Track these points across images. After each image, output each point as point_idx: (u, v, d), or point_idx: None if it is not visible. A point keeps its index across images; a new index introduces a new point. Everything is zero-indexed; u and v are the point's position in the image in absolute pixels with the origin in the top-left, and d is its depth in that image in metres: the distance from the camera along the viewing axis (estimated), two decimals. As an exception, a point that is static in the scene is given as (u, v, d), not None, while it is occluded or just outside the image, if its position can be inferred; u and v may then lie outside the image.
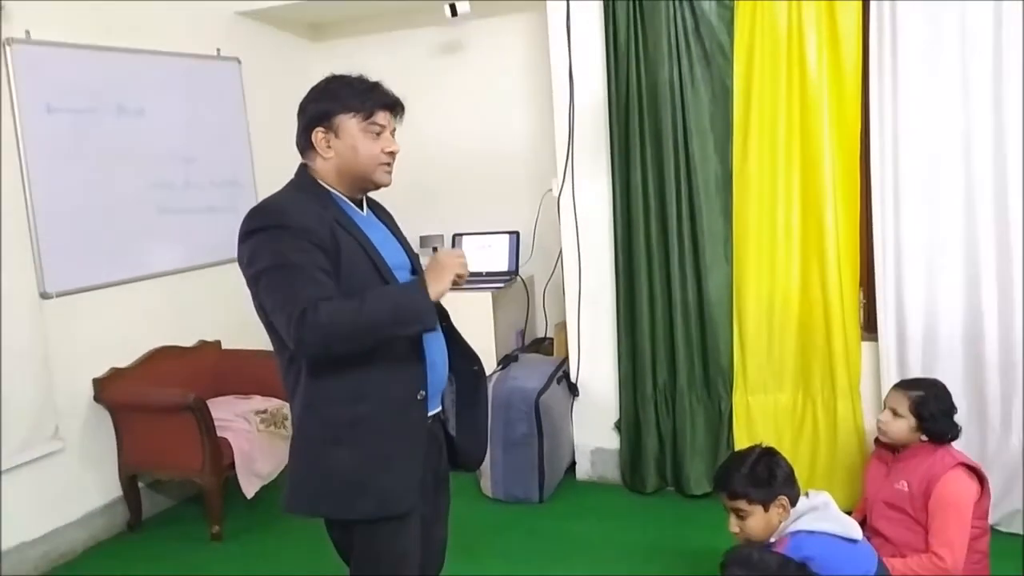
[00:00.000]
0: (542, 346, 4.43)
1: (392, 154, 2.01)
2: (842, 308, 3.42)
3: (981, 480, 2.72)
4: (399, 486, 1.93)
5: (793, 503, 2.31)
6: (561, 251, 3.96)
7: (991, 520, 3.04)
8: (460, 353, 2.13)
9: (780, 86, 3.42)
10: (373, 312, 1.81)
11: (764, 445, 2.47)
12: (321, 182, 2.00)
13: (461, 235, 4.52)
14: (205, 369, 4.01)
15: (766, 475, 2.33)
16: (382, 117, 1.98)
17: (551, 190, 3.99)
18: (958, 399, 3.05)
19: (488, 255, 4.44)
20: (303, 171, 2.03)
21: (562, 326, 4.10)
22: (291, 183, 2.03)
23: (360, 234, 1.94)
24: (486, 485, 3.86)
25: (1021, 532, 3.20)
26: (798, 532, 2.23)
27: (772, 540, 2.31)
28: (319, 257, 1.84)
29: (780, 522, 2.30)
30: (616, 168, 3.71)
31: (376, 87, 2.00)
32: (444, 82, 4.63)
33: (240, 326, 3.92)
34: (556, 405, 3.87)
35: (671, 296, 3.66)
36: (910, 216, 3.28)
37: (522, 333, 4.47)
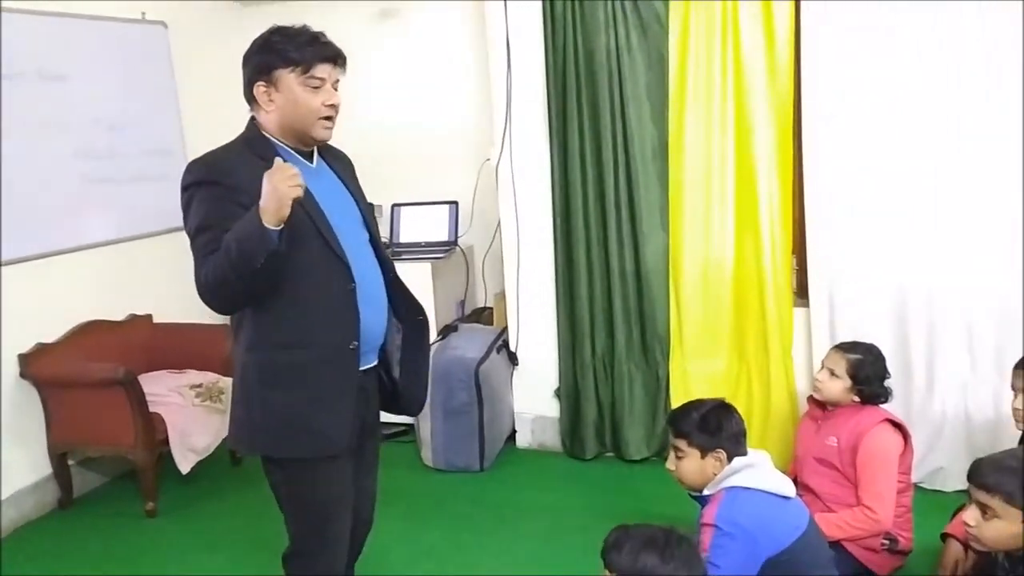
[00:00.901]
0: (482, 316, 4.43)
1: (333, 107, 1.99)
2: (776, 275, 3.49)
3: (905, 435, 2.82)
4: (332, 428, 2.02)
5: (731, 459, 2.36)
6: (500, 221, 3.95)
7: (915, 478, 3.17)
8: (405, 304, 2.21)
9: (715, 55, 3.45)
10: (227, 256, 1.82)
11: (726, 401, 2.52)
12: (267, 134, 2.00)
13: (399, 206, 4.47)
14: (136, 343, 3.91)
15: (715, 425, 2.38)
16: (322, 70, 1.96)
17: (489, 159, 3.97)
18: (886, 357, 3.16)
19: (427, 225, 4.41)
20: (251, 123, 2.03)
21: (502, 296, 4.11)
22: (240, 135, 2.04)
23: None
24: (427, 455, 3.86)
25: (944, 489, 3.33)
26: (733, 488, 2.28)
27: (707, 493, 2.36)
28: (235, 216, 1.85)
29: (714, 474, 2.35)
30: (554, 137, 3.70)
31: (316, 40, 1.98)
32: (379, 51, 4.55)
33: (172, 299, 3.85)
34: (496, 374, 3.88)
35: (609, 264, 3.69)
36: (840, 185, 3.35)
37: (462, 303, 4.46)
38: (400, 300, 2.20)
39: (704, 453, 2.36)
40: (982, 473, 1.99)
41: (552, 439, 4.00)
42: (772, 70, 3.39)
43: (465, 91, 4.43)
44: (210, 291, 1.89)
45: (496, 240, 4.12)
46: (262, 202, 1.79)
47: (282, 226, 1.80)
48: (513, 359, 4.00)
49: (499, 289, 4.19)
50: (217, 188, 1.89)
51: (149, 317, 4.05)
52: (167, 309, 4.03)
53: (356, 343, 2.03)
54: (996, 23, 3.06)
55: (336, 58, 1.99)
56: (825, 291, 3.44)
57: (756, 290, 3.53)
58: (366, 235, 2.15)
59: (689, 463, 2.39)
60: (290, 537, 2.18)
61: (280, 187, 1.78)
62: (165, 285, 3.98)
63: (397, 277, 2.20)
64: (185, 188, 1.94)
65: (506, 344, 4.00)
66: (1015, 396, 2.60)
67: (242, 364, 2.04)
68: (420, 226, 4.37)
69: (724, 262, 3.59)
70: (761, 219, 3.47)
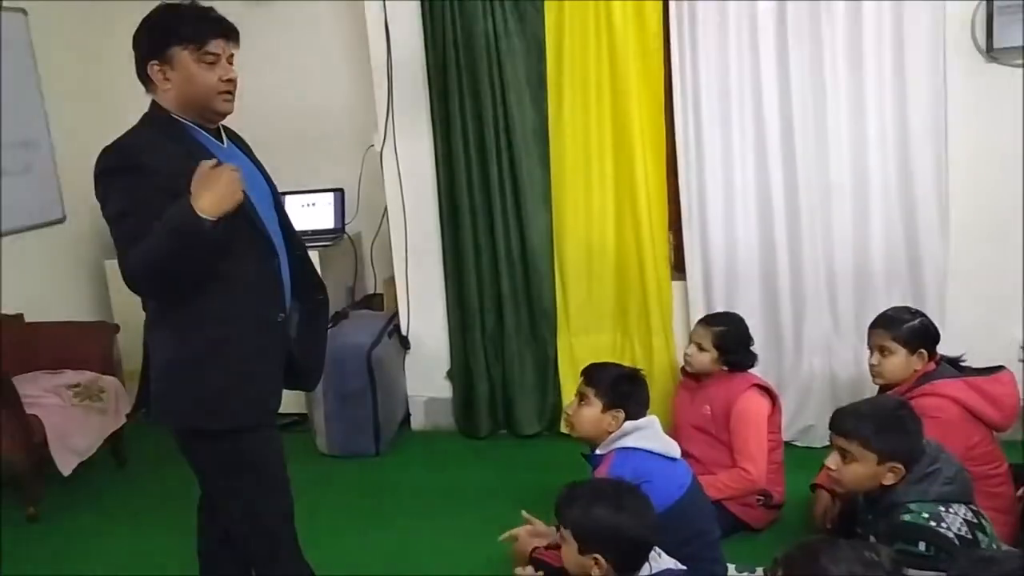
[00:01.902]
0: (372, 302, 4.44)
1: (231, 81, 1.99)
2: (654, 251, 3.64)
3: (772, 398, 3.01)
4: (262, 398, 2.07)
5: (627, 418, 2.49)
6: (386, 207, 3.97)
7: (787, 436, 3.39)
8: (309, 283, 2.23)
9: (589, 39, 3.55)
10: (162, 244, 1.82)
11: (642, 372, 2.65)
12: (173, 115, 1.98)
13: (284, 194, 4.40)
14: (7, 344, 3.73)
15: (626, 388, 2.52)
16: (216, 45, 1.96)
17: (373, 145, 3.97)
18: (756, 328, 3.36)
19: (313, 214, 4.37)
20: (153, 105, 2.00)
21: (391, 281, 4.13)
22: (144, 118, 2.01)
23: None
24: (321, 443, 3.86)
25: (813, 445, 3.56)
26: (624, 448, 2.41)
27: (599, 452, 2.48)
28: (158, 201, 1.83)
29: (608, 431, 2.47)
30: (436, 122, 3.75)
31: (207, 15, 1.97)
32: (254, 36, 4.45)
33: (44, 297, 3.70)
34: (388, 358, 3.91)
35: (495, 245, 3.76)
36: (711, 165, 3.53)
37: (351, 290, 4.46)
38: (303, 279, 2.22)
39: (606, 408, 2.48)
40: (841, 421, 2.18)
41: (446, 420, 4.06)
42: (643, 53, 3.52)
43: (346, 77, 4.41)
44: (144, 278, 1.88)
45: (383, 226, 4.13)
46: (202, 203, 1.80)
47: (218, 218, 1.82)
48: (405, 343, 4.03)
49: (388, 275, 4.21)
50: (135, 174, 1.86)
51: (20, 316, 3.87)
52: (39, 308, 3.86)
53: (283, 315, 2.10)
54: (855, 18, 3.29)
55: (229, 32, 1.99)
56: (700, 265, 3.62)
57: (636, 266, 3.68)
58: (275, 214, 2.18)
59: (590, 412, 2.52)
60: (240, 525, 2.16)
61: (226, 197, 1.83)
62: (36, 283, 3.81)
63: (305, 255, 2.24)
64: (100, 176, 1.91)
65: (397, 329, 4.03)
66: (871, 354, 2.82)
67: (169, 341, 2.03)
68: (306, 214, 4.33)
69: (606, 240, 3.72)
70: (639, 198, 3.61)
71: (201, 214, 1.79)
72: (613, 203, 3.70)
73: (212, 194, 1.82)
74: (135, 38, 1.97)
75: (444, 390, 4.04)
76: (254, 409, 2.06)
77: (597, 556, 1.90)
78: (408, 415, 4.12)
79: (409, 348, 4.04)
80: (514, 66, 3.61)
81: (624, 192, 3.66)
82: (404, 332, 4.02)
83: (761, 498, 2.94)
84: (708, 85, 3.47)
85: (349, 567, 2.89)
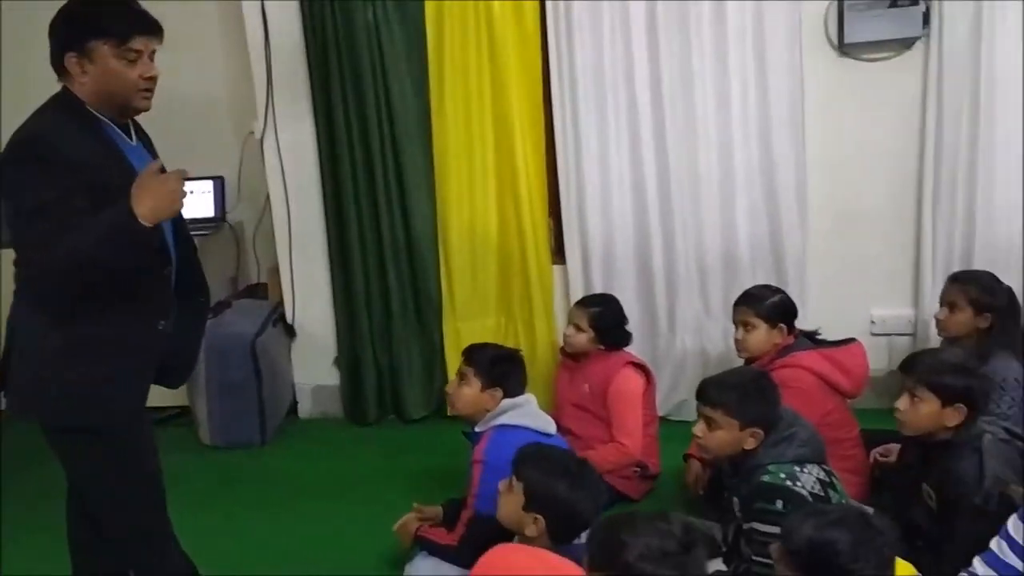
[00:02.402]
0: (256, 292, 4.38)
1: (152, 79, 1.95)
2: (535, 238, 3.75)
3: (647, 375, 3.17)
4: (130, 396, 2.05)
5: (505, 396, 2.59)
6: (268, 195, 3.93)
7: (661, 411, 3.57)
8: (193, 282, 2.21)
9: (469, 30, 3.61)
10: (91, 246, 1.79)
11: (520, 353, 2.76)
12: (87, 106, 1.92)
13: (159, 182, 4.29)
14: None
15: (501, 367, 2.60)
16: (139, 42, 1.92)
17: (253, 133, 3.92)
18: (632, 309, 3.52)
19: (191, 202, 4.25)
20: (66, 91, 1.94)
21: (275, 270, 4.09)
22: (56, 104, 1.93)
23: (128, 168, 1.90)
24: (204, 434, 3.80)
25: (687, 419, 3.74)
26: (502, 425, 2.50)
27: (479, 430, 2.56)
28: (77, 194, 1.80)
29: (487, 409, 2.56)
30: (318, 109, 3.74)
31: (132, 9, 1.93)
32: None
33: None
34: (273, 347, 3.88)
35: (380, 233, 3.79)
36: (588, 154, 3.65)
37: (234, 280, 4.38)
38: (186, 278, 2.19)
39: (485, 387, 2.56)
40: (706, 391, 2.33)
41: (334, 407, 4.06)
42: (522, 45, 3.62)
43: (223, 63, 4.31)
44: (67, 274, 1.83)
45: (266, 215, 4.09)
46: (142, 208, 1.77)
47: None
48: (290, 332, 4.01)
49: (272, 264, 4.17)
50: (46, 165, 1.81)
51: None
52: None
53: (164, 323, 2.07)
54: (720, 16, 3.47)
55: (154, 28, 1.95)
56: (578, 251, 3.76)
57: (518, 252, 3.78)
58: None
59: (469, 391, 2.61)
60: (110, 517, 2.14)
61: (167, 206, 1.82)
62: None
63: (193, 256, 2.22)
64: (12, 164, 1.85)
65: (282, 317, 4.00)
66: (736, 329, 3.01)
67: (43, 332, 1.97)
68: (184, 203, 4.23)
69: (488, 227, 3.81)
70: (520, 185, 3.71)
71: (140, 219, 1.77)
72: (495, 191, 3.78)
73: (153, 200, 1.80)
74: (52, 26, 1.91)
75: (331, 377, 4.04)
76: (121, 406, 2.04)
77: (538, 517, 1.98)
78: (295, 403, 4.10)
79: (295, 336, 4.03)
80: (395, 53, 3.64)
81: (505, 180, 3.75)
82: (289, 321, 4.00)
83: (638, 470, 3.09)
84: (584, 76, 3.59)
85: (235, 556, 2.88)
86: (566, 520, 1.98)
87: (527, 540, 1.99)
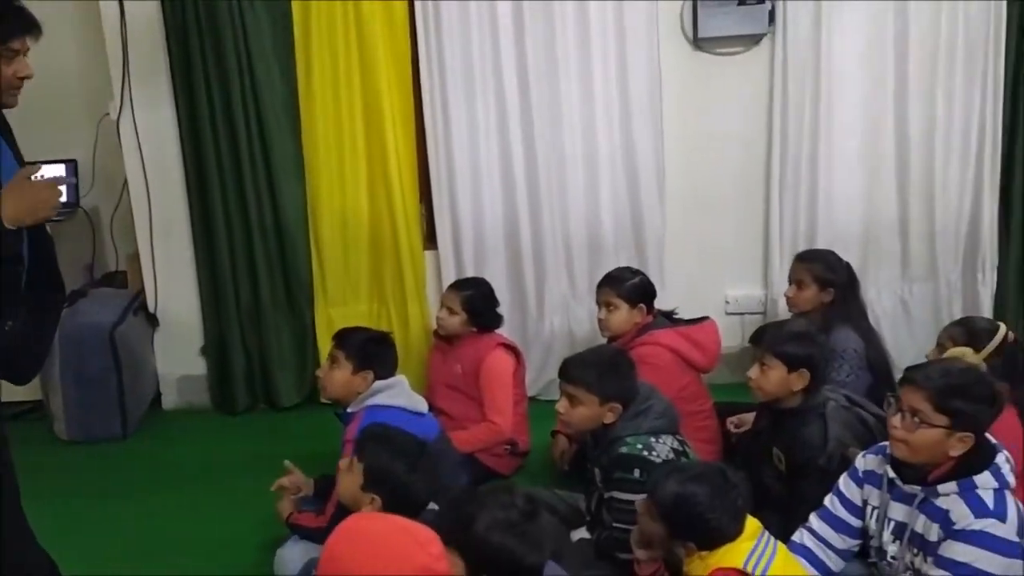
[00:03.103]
0: (115, 280, 4.21)
1: (25, 78, 1.90)
2: (406, 222, 3.78)
3: (517, 356, 3.26)
4: None
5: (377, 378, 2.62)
6: (126, 179, 3.79)
7: (531, 391, 3.68)
8: (48, 280, 2.10)
9: (337, 13, 3.59)
10: None
11: (390, 335, 2.80)
12: None
13: (6, 165, 4.05)
14: None
15: (371, 349, 2.63)
16: (18, 42, 1.85)
17: (108, 114, 3.76)
18: (503, 292, 3.61)
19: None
20: None
21: (135, 257, 3.95)
22: None
23: None
24: (60, 428, 3.65)
25: (555, 398, 3.84)
26: (373, 406, 2.53)
27: (351, 411, 2.58)
28: None
29: (358, 392, 2.59)
30: (178, 91, 3.64)
31: (11, 7, 1.85)
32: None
33: None
34: (134, 337, 3.76)
35: (247, 218, 3.73)
36: (458, 140, 3.70)
37: (90, 268, 4.20)
38: (41, 276, 2.07)
39: (356, 370, 2.59)
40: (568, 369, 2.44)
41: (201, 397, 3.97)
42: (391, 30, 3.62)
43: (75, 42, 4.10)
44: None
45: (124, 200, 3.93)
46: (7, 210, 1.71)
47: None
48: (152, 320, 3.89)
49: (132, 250, 4.02)
50: None
51: None
52: None
53: (11, 323, 1.96)
54: (583, 10, 3.58)
55: (33, 28, 1.88)
56: (450, 235, 3.81)
57: (390, 237, 3.80)
58: None
59: (340, 374, 2.62)
60: None
61: (33, 213, 1.75)
62: None
63: (50, 253, 2.10)
64: None
65: (143, 306, 3.88)
66: (599, 310, 3.14)
67: None
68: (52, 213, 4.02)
69: (359, 212, 3.80)
70: (391, 170, 3.72)
71: (5, 220, 1.71)
72: (366, 177, 3.78)
73: (21, 204, 1.74)
74: None
75: (198, 367, 3.95)
76: None
77: (375, 497, 2.02)
78: (159, 394, 3.99)
79: (158, 325, 3.91)
80: (259, 35, 3.58)
81: (376, 166, 3.75)
82: (151, 309, 3.88)
83: (509, 447, 3.18)
84: (453, 65, 3.63)
85: (99, 550, 2.81)
86: (402, 501, 2.02)
87: None
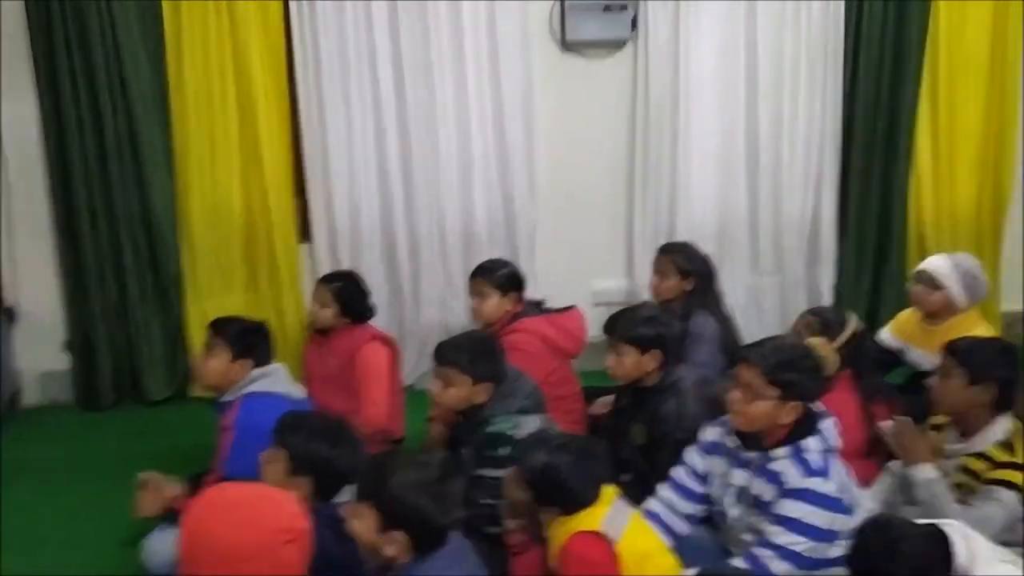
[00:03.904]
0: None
1: None
2: (281, 216, 3.80)
3: (392, 347, 3.32)
4: None
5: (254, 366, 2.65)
6: (-17, 170, 3.65)
7: (408, 381, 3.76)
8: None
9: (209, 3, 3.56)
10: None
11: (265, 324, 2.81)
12: None
13: None
14: None
15: (249, 337, 2.65)
16: None
17: (-37, 103, 3.61)
18: (380, 286, 3.68)
19: None
20: None
21: (-8, 250, 3.80)
22: None
23: None
24: (-92, 430, 3.47)
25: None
26: (250, 394, 2.55)
27: (228, 399, 2.59)
28: None
29: (235, 380, 2.62)
30: (41, 81, 3.54)
31: None
32: None
33: None
34: (-8, 333, 3.61)
35: (113, 210, 3.66)
36: (334, 136, 3.75)
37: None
38: None
39: (234, 359, 2.60)
40: (442, 351, 2.54)
41: (64, 393, 3.86)
42: (264, 24, 3.63)
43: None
44: None
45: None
46: None
47: None
48: (10, 315, 3.75)
49: (-11, 244, 3.86)
50: None
51: None
52: None
53: None
54: (456, 12, 3.70)
55: None
56: (325, 229, 3.85)
57: (264, 230, 3.81)
58: None
59: (217, 363, 2.62)
60: None
61: None
62: None
63: None
64: None
65: (0, 301, 3.72)
66: (472, 299, 3.24)
67: None
68: None
69: (232, 205, 3.79)
70: (265, 165, 3.73)
71: None
72: (239, 170, 3.77)
73: None
74: None
75: (61, 363, 3.83)
76: None
77: (304, 481, 2.01)
78: (18, 392, 3.84)
79: (15, 320, 3.76)
80: (128, 27, 3.52)
81: (250, 160, 3.75)
82: (9, 304, 3.73)
83: (384, 437, 3.23)
84: (329, 60, 3.69)
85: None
86: (331, 478, 2.05)
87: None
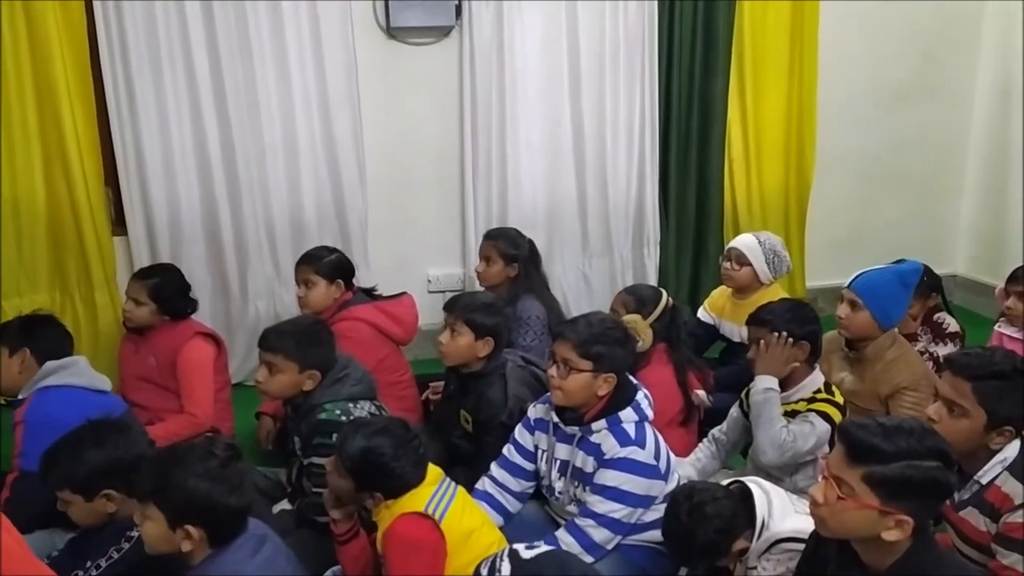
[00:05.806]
0: None
1: None
2: (90, 208, 3.58)
3: (218, 343, 3.20)
4: None
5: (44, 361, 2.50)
6: None
7: (238, 377, 3.66)
8: None
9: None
10: None
11: (53, 315, 2.69)
12: None
13: None
14: None
15: (31, 331, 2.52)
16: None
17: None
18: (203, 279, 3.54)
19: None
20: None
21: None
22: None
23: None
24: None
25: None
26: (44, 387, 2.40)
27: (21, 396, 2.43)
28: None
29: (19, 372, 2.48)
30: None
31: None
32: None
33: None
34: None
35: None
36: (146, 122, 3.57)
37: None
38: None
39: (12, 353, 2.49)
40: (267, 338, 2.48)
41: None
42: (63, 7, 3.39)
43: None
44: None
45: None
46: None
47: None
48: None
49: None
50: None
51: None
52: None
53: None
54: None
55: None
56: (142, 220, 3.66)
57: (72, 223, 3.58)
58: None
59: (12, 364, 2.50)
60: None
61: None
62: None
63: None
64: None
65: None
66: (299, 287, 3.18)
67: None
68: None
69: (35, 197, 3.54)
70: (70, 153, 3.50)
71: None
72: (41, 160, 3.53)
73: None
74: None
75: None
76: None
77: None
78: None
79: None
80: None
81: (53, 149, 3.52)
82: None
83: (211, 435, 3.11)
84: (136, 42, 3.50)
85: None
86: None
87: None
